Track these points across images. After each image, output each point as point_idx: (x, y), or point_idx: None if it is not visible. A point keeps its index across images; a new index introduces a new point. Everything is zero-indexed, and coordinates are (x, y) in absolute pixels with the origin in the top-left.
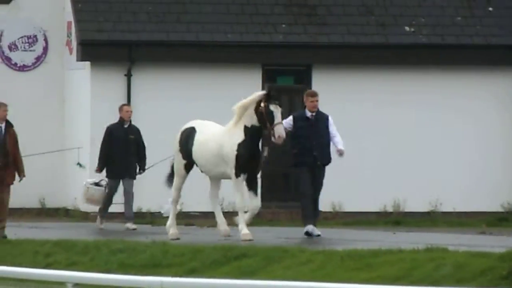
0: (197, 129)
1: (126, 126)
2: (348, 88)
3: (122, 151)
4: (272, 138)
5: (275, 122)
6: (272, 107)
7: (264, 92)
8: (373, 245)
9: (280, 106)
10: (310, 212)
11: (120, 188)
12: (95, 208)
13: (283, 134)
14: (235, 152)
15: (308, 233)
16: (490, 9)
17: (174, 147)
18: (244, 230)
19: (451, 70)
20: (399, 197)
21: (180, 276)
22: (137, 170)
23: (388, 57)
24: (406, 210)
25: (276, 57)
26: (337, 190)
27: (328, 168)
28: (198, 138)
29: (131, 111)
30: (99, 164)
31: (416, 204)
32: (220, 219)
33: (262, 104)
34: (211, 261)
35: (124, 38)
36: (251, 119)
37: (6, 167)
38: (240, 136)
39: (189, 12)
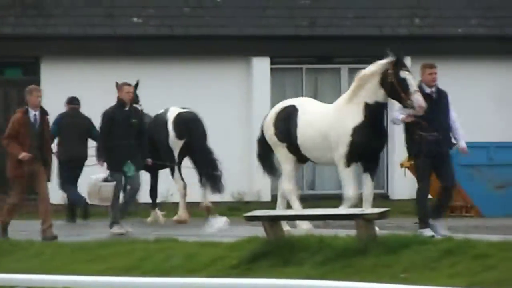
0: (299, 107)
1: (127, 108)
2: (77, 80)
3: (124, 139)
4: (411, 111)
5: (411, 90)
6: (404, 73)
7: (390, 59)
8: (104, 236)
9: (411, 73)
10: (428, 211)
11: None
12: None
13: (423, 103)
14: (349, 138)
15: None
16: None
17: (267, 132)
18: None
19: (181, 60)
20: None
21: None
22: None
23: (115, 48)
24: (139, 201)
25: (3, 49)
26: None
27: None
28: (302, 118)
29: (133, 92)
30: (100, 155)
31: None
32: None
33: (390, 72)
34: None
35: None
36: (375, 94)
37: (43, 160)
38: (357, 117)
39: None
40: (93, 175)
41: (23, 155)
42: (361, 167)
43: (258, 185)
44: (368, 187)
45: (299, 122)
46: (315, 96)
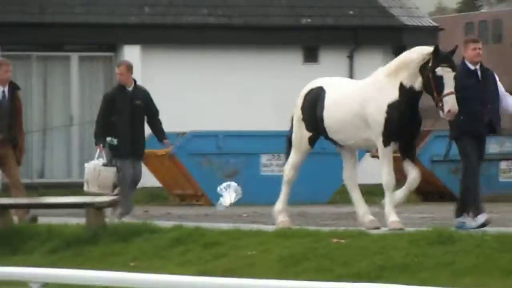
0: (326, 88)
1: (130, 89)
2: None
3: (126, 123)
4: (441, 113)
5: (445, 91)
6: (442, 70)
7: (430, 49)
8: None
9: (453, 70)
10: (479, 196)
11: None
12: None
13: (455, 108)
14: (385, 115)
15: (483, 224)
16: None
17: (295, 115)
18: (392, 217)
19: None
20: None
21: None
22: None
23: None
24: None
25: None
26: None
27: None
28: (330, 98)
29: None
30: (98, 139)
31: None
32: (362, 208)
33: (429, 65)
34: None
35: None
36: (413, 80)
37: (13, 141)
38: (392, 94)
39: None
40: (91, 161)
41: None
42: (400, 156)
43: None
44: (414, 173)
45: (326, 103)
46: (44, 84)
